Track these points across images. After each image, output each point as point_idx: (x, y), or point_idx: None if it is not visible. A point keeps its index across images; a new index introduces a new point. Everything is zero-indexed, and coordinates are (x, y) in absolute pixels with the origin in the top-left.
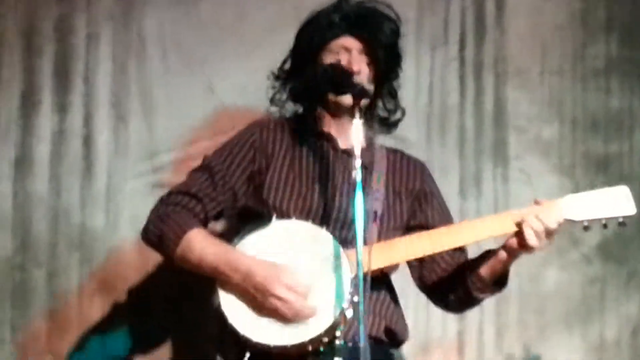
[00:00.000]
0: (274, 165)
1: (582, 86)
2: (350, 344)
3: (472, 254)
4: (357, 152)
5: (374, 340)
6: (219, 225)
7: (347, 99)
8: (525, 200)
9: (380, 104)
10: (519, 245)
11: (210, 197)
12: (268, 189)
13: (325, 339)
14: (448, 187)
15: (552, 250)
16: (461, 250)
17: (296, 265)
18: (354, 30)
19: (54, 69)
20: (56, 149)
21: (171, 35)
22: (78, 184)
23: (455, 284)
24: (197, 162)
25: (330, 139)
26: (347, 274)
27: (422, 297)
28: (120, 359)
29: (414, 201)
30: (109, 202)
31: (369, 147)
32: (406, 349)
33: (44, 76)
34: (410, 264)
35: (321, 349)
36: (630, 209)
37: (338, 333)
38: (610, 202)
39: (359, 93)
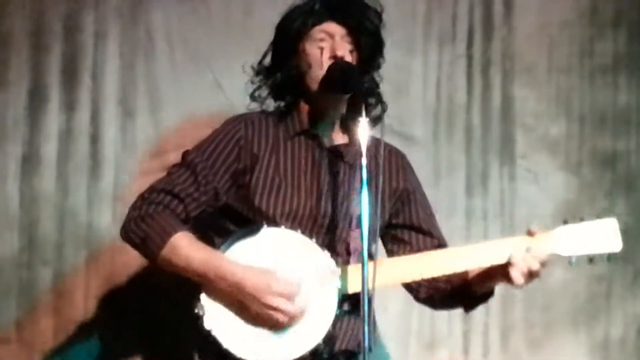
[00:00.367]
0: (259, 166)
1: (590, 83)
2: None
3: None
4: (364, 153)
5: (348, 354)
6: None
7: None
8: (532, 198)
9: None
10: (506, 280)
11: (192, 198)
12: (254, 192)
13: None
14: (454, 185)
15: None
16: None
17: (286, 277)
18: (337, 15)
19: (61, 67)
20: (63, 147)
21: (179, 32)
22: (85, 182)
23: (448, 302)
24: None
25: (315, 136)
26: (335, 292)
27: None
28: (127, 358)
29: (396, 201)
30: (116, 200)
31: (352, 143)
32: (412, 348)
33: (51, 74)
34: None
35: None
36: (616, 246)
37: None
38: (599, 236)
39: (367, 92)
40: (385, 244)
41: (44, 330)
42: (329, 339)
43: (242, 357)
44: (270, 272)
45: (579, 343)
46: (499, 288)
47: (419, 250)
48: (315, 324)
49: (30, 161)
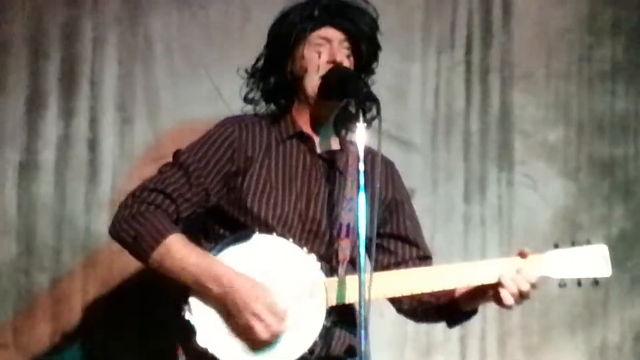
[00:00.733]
0: (252, 170)
1: (588, 90)
2: None
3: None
4: (361, 158)
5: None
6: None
7: (351, 104)
8: (530, 205)
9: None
10: (495, 300)
11: (184, 198)
12: (245, 195)
13: None
14: (453, 191)
15: None
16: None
17: (275, 287)
18: (335, 20)
19: (60, 73)
20: (62, 153)
21: (177, 39)
22: (83, 188)
23: (431, 315)
24: None
25: (307, 140)
26: (323, 304)
27: None
28: None
29: (385, 210)
30: (114, 206)
31: (343, 149)
32: (408, 354)
33: (50, 81)
34: None
35: None
36: (606, 271)
37: None
38: (589, 261)
39: (365, 97)
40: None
41: (41, 335)
42: (316, 349)
43: None
44: (263, 286)
45: (576, 349)
46: None
47: (404, 260)
48: (303, 334)
49: (28, 167)
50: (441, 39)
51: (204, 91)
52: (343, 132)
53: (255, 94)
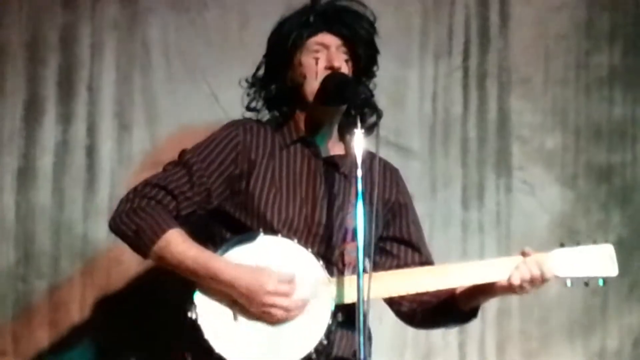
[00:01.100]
0: (255, 173)
1: (586, 96)
2: None
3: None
4: (359, 164)
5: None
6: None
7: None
8: (528, 210)
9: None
10: (509, 287)
11: (185, 196)
12: (251, 198)
13: None
14: (451, 197)
15: None
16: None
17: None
18: (332, 26)
19: (58, 79)
20: (59, 160)
21: (175, 45)
22: (81, 195)
23: (429, 315)
24: None
25: (311, 145)
26: (328, 304)
27: None
28: None
29: (388, 213)
30: (112, 213)
31: (347, 154)
32: (408, 359)
33: (47, 86)
34: None
35: None
36: (612, 271)
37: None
38: (595, 260)
39: (362, 103)
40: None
41: (39, 342)
42: (322, 349)
43: None
44: (262, 269)
45: (575, 355)
46: (496, 299)
47: (405, 263)
48: (308, 333)
49: (26, 173)
50: (439, 45)
51: (202, 97)
52: (347, 137)
53: (257, 103)
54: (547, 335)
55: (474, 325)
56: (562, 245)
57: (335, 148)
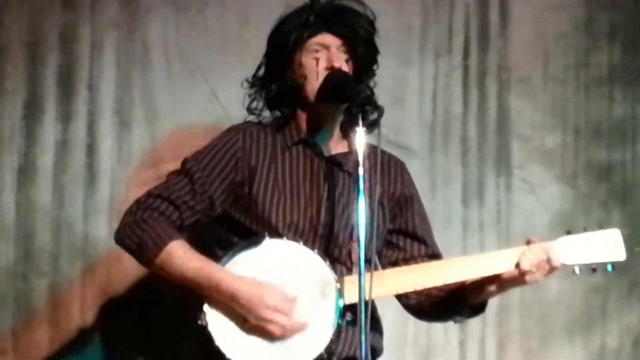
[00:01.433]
0: (257, 178)
1: (585, 94)
2: None
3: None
4: (360, 161)
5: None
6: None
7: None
8: (528, 209)
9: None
10: (519, 274)
11: (188, 206)
12: (255, 203)
13: None
14: (451, 195)
15: None
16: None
17: (288, 290)
18: (332, 26)
19: (57, 78)
20: (59, 158)
21: (175, 44)
22: (81, 193)
23: (436, 309)
24: None
25: (313, 145)
26: (337, 303)
27: None
28: None
29: (394, 206)
30: (112, 211)
31: (351, 152)
32: (408, 358)
33: (47, 85)
34: None
35: None
36: (620, 255)
37: None
38: (602, 246)
39: (364, 101)
40: (379, 251)
41: (40, 341)
42: (332, 349)
43: None
44: (264, 284)
45: (575, 354)
46: (496, 298)
47: (412, 257)
48: (317, 334)
49: (26, 172)
50: (439, 43)
51: (202, 96)
52: (350, 134)
53: (258, 103)
54: (547, 333)
55: (474, 324)
56: (568, 232)
57: (338, 146)
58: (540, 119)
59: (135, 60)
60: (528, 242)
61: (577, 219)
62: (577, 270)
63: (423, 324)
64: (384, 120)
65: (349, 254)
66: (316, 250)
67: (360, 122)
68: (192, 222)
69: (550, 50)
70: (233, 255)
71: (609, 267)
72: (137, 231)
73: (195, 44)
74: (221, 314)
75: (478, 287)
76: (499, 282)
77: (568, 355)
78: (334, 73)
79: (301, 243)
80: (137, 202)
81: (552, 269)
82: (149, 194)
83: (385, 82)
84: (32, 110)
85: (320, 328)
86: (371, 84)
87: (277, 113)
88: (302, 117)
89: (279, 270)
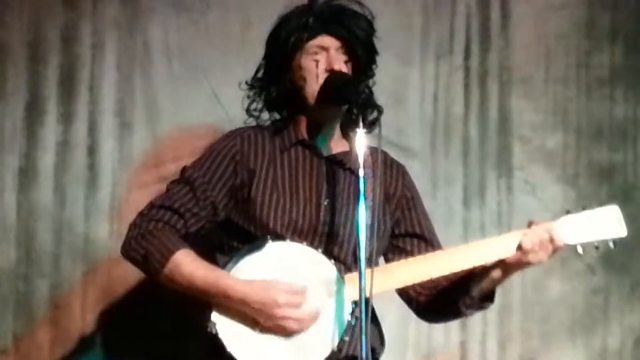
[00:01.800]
0: (256, 180)
1: (587, 95)
2: None
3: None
4: (361, 163)
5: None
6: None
7: (352, 110)
8: (529, 210)
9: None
10: (521, 256)
11: (192, 213)
12: (254, 206)
13: None
14: (452, 196)
15: (556, 260)
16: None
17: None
18: (331, 28)
19: (59, 79)
20: (61, 159)
21: (176, 44)
22: (82, 194)
23: (444, 302)
24: None
25: (312, 145)
26: (344, 300)
27: None
28: None
29: (396, 209)
30: (113, 212)
31: (353, 151)
32: (409, 359)
33: (48, 86)
34: None
35: None
36: (621, 231)
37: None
38: (602, 223)
39: (364, 103)
40: (385, 255)
41: (41, 342)
42: (343, 346)
43: None
44: (272, 283)
45: (576, 354)
46: (497, 298)
47: None
48: (327, 333)
49: (27, 173)
50: (440, 44)
51: (203, 97)
52: (351, 134)
53: (258, 105)
54: (548, 334)
55: (475, 324)
56: (567, 212)
57: (338, 146)
58: (542, 120)
59: (137, 61)
60: (529, 224)
61: None
62: (579, 250)
63: (424, 325)
64: (384, 121)
65: (350, 251)
66: (319, 250)
67: (361, 124)
68: (196, 229)
69: (552, 50)
70: (237, 261)
71: (611, 244)
72: (142, 243)
73: (196, 44)
74: (230, 319)
75: (483, 274)
76: (504, 267)
77: (569, 355)
78: (334, 75)
79: (305, 244)
80: (141, 215)
81: (555, 249)
82: (151, 206)
83: (386, 83)
84: (33, 111)
85: (330, 325)
86: (370, 84)
87: (277, 115)
88: (302, 119)
89: (284, 271)
